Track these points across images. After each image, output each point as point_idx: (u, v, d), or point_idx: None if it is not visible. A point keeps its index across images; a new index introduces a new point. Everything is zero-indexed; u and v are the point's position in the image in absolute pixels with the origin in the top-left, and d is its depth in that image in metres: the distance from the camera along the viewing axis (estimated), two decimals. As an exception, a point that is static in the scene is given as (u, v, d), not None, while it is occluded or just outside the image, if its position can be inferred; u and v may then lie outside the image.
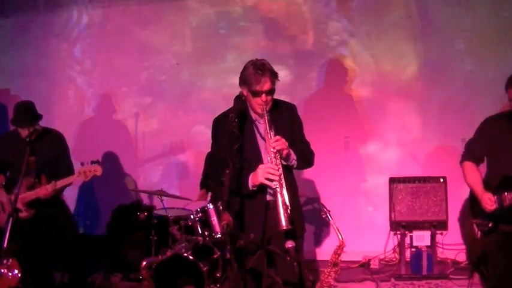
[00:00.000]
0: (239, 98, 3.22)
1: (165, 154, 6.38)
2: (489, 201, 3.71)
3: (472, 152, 3.95)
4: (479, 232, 3.86)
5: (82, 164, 4.31)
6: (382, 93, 5.93)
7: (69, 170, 4.55)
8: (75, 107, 6.54)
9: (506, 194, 3.67)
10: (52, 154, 4.57)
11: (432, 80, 5.83)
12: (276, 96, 3.33)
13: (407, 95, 5.88)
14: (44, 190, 4.35)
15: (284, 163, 3.21)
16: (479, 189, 3.80)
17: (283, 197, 3.08)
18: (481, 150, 3.92)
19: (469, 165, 3.93)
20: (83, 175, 4.28)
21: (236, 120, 3.10)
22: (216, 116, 3.42)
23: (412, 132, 5.90)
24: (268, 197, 3.28)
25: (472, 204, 3.91)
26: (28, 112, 4.45)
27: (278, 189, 3.08)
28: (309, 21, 6.05)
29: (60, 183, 4.35)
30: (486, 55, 5.67)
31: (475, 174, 3.89)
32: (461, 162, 3.99)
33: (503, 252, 3.73)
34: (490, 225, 3.74)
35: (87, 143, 6.33)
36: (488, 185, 3.80)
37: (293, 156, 3.27)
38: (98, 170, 4.29)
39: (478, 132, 3.97)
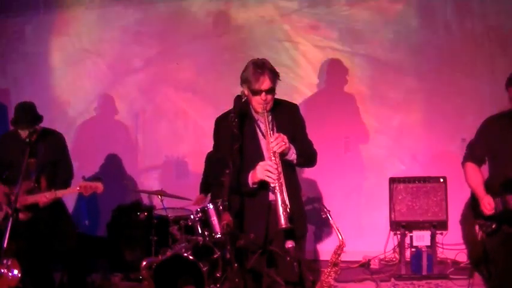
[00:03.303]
0: (239, 98, 3.21)
1: (166, 154, 6.38)
2: (488, 206, 3.68)
3: (473, 153, 3.92)
4: (480, 233, 3.82)
5: (84, 178, 4.40)
6: (382, 93, 5.93)
7: (69, 173, 4.57)
8: (76, 107, 6.54)
9: (510, 196, 3.64)
10: (52, 156, 4.54)
11: (433, 80, 5.83)
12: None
13: (407, 95, 5.88)
14: (43, 198, 4.34)
15: (284, 157, 3.18)
16: (480, 191, 3.77)
17: (282, 196, 3.05)
18: (482, 150, 3.89)
19: (470, 166, 3.90)
20: (83, 189, 4.32)
21: (236, 120, 3.08)
22: (219, 115, 3.40)
23: (412, 132, 5.90)
24: (271, 197, 3.25)
25: (474, 205, 3.87)
26: (28, 113, 4.42)
27: (277, 188, 3.07)
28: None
29: (59, 193, 4.37)
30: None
31: (477, 175, 3.86)
32: (462, 163, 3.96)
33: (505, 253, 3.72)
34: (494, 226, 3.71)
35: (88, 144, 6.32)
36: (490, 185, 3.78)
37: (293, 150, 3.24)
38: (99, 188, 4.35)
39: (478, 133, 3.93)
